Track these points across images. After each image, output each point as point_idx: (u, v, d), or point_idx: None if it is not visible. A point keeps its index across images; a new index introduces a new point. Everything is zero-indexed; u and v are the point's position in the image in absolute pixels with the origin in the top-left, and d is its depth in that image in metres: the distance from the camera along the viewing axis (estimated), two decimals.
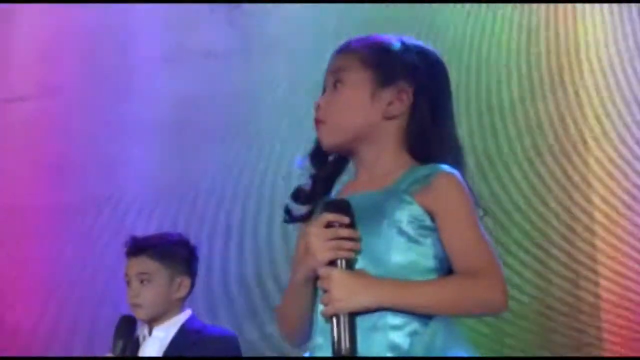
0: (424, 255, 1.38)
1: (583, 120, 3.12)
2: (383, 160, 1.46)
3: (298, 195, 1.50)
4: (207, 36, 3.69)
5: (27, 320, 3.58)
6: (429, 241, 1.38)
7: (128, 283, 2.39)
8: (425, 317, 1.36)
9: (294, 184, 1.50)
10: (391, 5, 3.37)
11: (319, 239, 1.37)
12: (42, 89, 3.81)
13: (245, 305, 3.24)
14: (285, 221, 1.51)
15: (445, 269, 1.39)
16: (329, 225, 1.37)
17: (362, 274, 1.37)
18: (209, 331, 2.47)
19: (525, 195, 3.10)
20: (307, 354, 1.47)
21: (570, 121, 3.12)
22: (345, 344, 1.35)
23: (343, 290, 1.35)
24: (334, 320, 1.36)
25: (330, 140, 1.47)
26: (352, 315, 1.36)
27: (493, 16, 3.32)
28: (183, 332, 2.43)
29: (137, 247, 2.42)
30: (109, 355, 2.29)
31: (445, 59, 1.49)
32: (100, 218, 3.51)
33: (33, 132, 3.77)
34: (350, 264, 1.37)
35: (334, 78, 1.48)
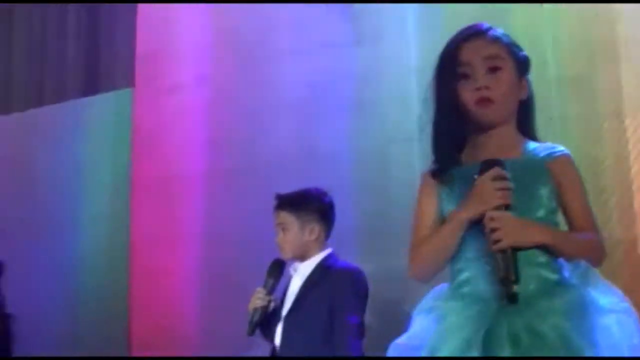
0: (551, 212, 1.70)
1: None
2: (510, 134, 1.75)
3: (442, 158, 1.74)
4: (327, 30, 4.12)
5: (185, 265, 4.26)
6: (553, 203, 1.70)
7: (276, 232, 2.86)
8: (558, 259, 1.64)
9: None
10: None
11: (491, 187, 1.60)
12: (197, 78, 4.41)
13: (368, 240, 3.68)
14: (443, 181, 1.72)
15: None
16: (497, 177, 1.62)
17: (526, 217, 1.63)
18: (339, 265, 2.80)
19: None
20: (439, 287, 1.72)
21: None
22: (511, 275, 1.52)
23: (517, 229, 1.57)
24: (500, 255, 1.55)
25: (497, 117, 1.72)
26: (515, 251, 1.55)
27: None
28: (318, 268, 2.79)
29: (278, 203, 2.86)
30: (259, 289, 2.78)
31: None
32: (254, 181, 4.05)
33: (190, 114, 4.41)
34: (508, 210, 1.60)
35: (491, 64, 1.72)
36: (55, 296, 4.67)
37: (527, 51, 1.82)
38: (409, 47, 3.83)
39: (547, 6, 3.55)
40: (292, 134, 4.11)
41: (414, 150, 3.55)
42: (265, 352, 2.84)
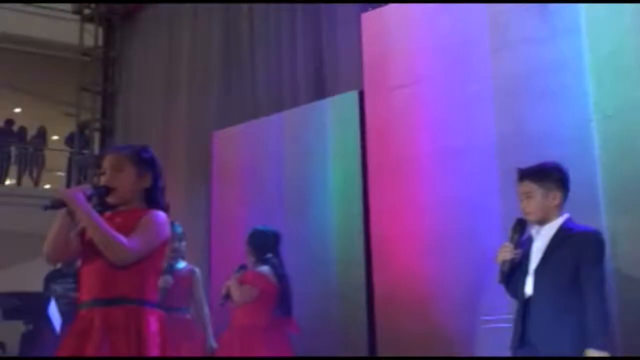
0: None
1: None
2: None
3: None
4: (524, 28, 4.48)
5: (417, 232, 4.82)
6: None
7: (520, 200, 3.09)
8: None
9: None
10: None
11: None
12: (418, 76, 5.01)
13: None
14: None
15: None
16: None
17: None
18: (580, 228, 3.02)
19: None
20: None
21: None
22: None
23: None
24: None
25: None
26: None
27: None
28: (560, 230, 3.03)
29: (522, 175, 3.10)
30: (506, 243, 3.00)
31: None
32: (472, 159, 4.58)
33: (414, 107, 5.05)
34: None
35: None
36: (301, 262, 5.35)
37: None
38: (598, 38, 4.20)
39: None
40: (501, 119, 4.55)
41: (610, 128, 4.05)
42: None
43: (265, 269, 4.55)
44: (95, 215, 2.60)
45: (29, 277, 10.00)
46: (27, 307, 6.20)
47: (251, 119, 6.70)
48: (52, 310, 6.05)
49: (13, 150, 14.04)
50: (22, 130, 14.56)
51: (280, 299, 4.53)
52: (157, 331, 2.58)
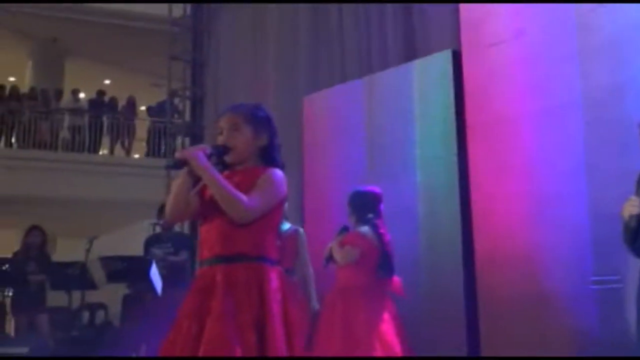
0: None
1: None
2: None
3: None
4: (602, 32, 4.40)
5: (517, 191, 4.75)
6: None
7: None
8: None
9: None
10: None
11: None
12: (515, 33, 4.91)
13: None
14: None
15: None
16: None
17: None
18: None
19: None
20: None
21: None
22: None
23: None
24: None
25: None
26: None
27: None
28: None
29: None
30: (633, 197, 2.88)
31: None
32: (573, 115, 4.46)
33: (511, 64, 4.92)
34: None
35: None
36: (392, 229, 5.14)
37: None
38: None
39: None
40: (602, 74, 4.44)
41: None
42: None
43: (365, 229, 4.54)
44: (217, 173, 2.62)
45: (127, 241, 10.33)
46: (130, 270, 6.35)
47: (340, 83, 6.64)
48: (153, 273, 6.20)
49: (105, 121, 14.37)
50: (113, 101, 14.89)
51: (381, 259, 4.50)
52: (278, 287, 2.59)
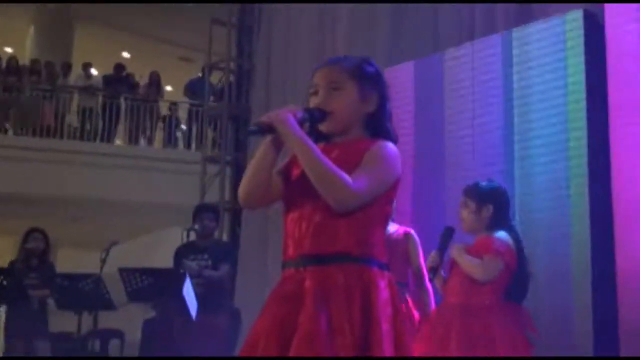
0: None
1: None
2: None
3: None
4: None
5: None
6: None
7: None
8: None
9: None
10: None
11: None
12: None
13: None
14: None
15: None
16: None
17: None
18: None
19: None
20: None
21: None
22: None
23: None
24: None
25: None
26: None
27: None
28: None
29: None
30: None
31: None
32: None
33: None
34: None
35: None
36: None
37: None
38: None
39: None
40: None
41: None
42: None
43: (504, 235, 4.36)
44: (313, 144, 2.49)
45: (151, 251, 10.32)
46: (158, 286, 6.25)
47: (430, 53, 6.67)
48: (187, 291, 6.09)
49: (122, 103, 14.44)
50: (132, 77, 14.99)
51: (515, 277, 4.35)
52: (389, 299, 2.45)
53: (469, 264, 4.35)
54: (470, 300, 4.33)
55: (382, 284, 2.47)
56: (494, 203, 4.46)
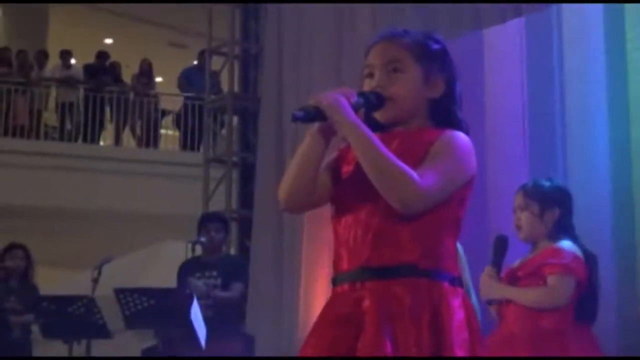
0: None
1: None
2: None
3: None
4: None
5: None
6: None
7: None
8: None
9: None
10: None
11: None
12: None
13: None
14: None
15: None
16: None
17: None
18: None
19: None
20: None
21: None
22: None
23: None
24: None
25: None
26: None
27: None
28: None
29: None
30: None
31: None
32: None
33: None
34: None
35: None
36: None
37: None
38: None
39: None
40: None
41: None
42: None
43: (571, 246, 4.30)
44: (373, 134, 2.45)
45: (140, 269, 10.30)
46: (160, 309, 6.23)
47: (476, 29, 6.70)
48: (195, 315, 6.07)
49: (107, 96, 14.42)
50: (118, 67, 14.97)
51: (586, 295, 4.29)
52: (463, 322, 2.41)
53: (531, 298, 4.27)
54: (538, 326, 4.26)
55: (456, 302, 2.44)
56: (560, 206, 4.42)
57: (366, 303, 2.42)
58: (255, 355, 7.28)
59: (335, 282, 2.54)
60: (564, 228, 4.37)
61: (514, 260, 4.48)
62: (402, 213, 2.42)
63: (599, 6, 5.66)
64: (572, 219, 4.42)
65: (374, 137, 2.44)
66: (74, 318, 6.42)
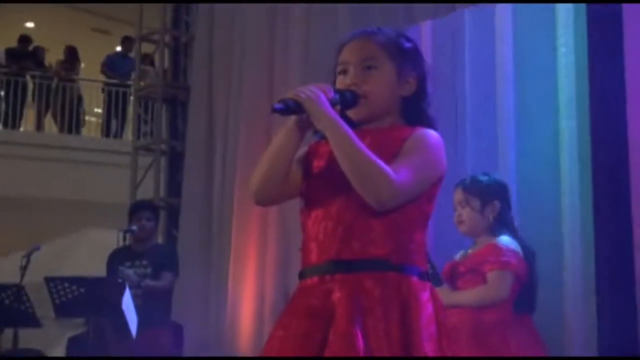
0: None
1: None
2: None
3: None
4: None
5: None
6: None
7: None
8: None
9: None
10: None
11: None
12: None
13: None
14: None
15: None
16: None
17: None
18: None
19: None
20: None
21: None
22: None
23: None
24: None
25: None
26: None
27: None
28: None
29: None
30: None
31: None
32: None
33: None
34: None
35: None
36: None
37: None
38: None
39: None
40: None
41: None
42: None
43: (507, 240, 4.37)
44: (350, 130, 2.47)
45: (64, 256, 10.19)
46: (91, 297, 6.19)
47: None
48: (127, 304, 6.04)
49: (30, 81, 14.24)
50: (39, 51, 14.78)
51: (525, 288, 4.36)
52: (432, 316, 2.44)
53: (472, 298, 4.35)
54: (480, 319, 4.32)
55: (424, 296, 2.47)
56: (499, 199, 4.49)
57: (336, 295, 2.43)
58: (184, 345, 7.25)
59: (303, 275, 2.55)
60: (503, 221, 4.44)
61: (455, 252, 4.59)
62: (377, 208, 2.44)
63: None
64: (510, 212, 4.50)
65: (352, 133, 2.47)
66: (3, 306, 6.36)
